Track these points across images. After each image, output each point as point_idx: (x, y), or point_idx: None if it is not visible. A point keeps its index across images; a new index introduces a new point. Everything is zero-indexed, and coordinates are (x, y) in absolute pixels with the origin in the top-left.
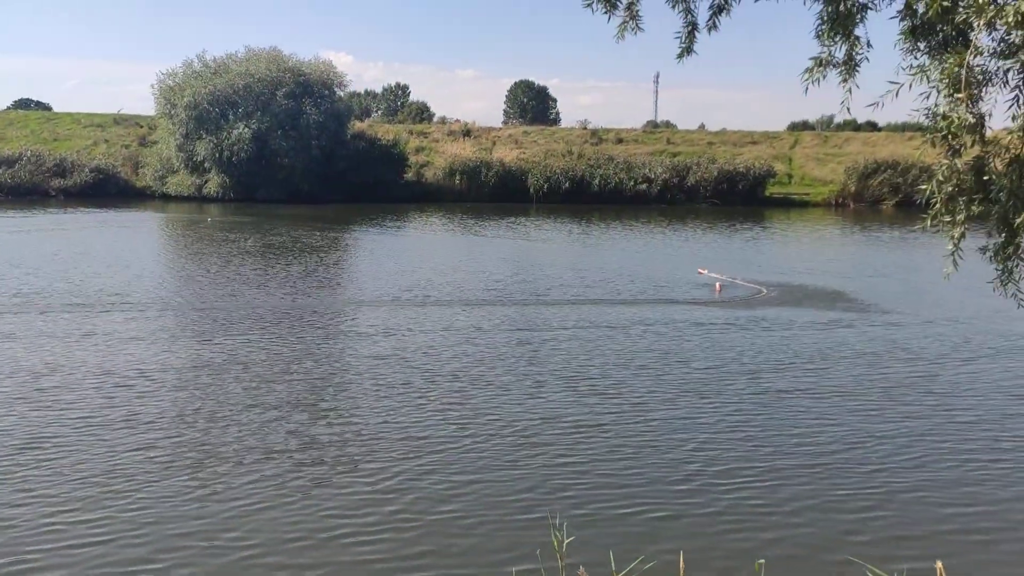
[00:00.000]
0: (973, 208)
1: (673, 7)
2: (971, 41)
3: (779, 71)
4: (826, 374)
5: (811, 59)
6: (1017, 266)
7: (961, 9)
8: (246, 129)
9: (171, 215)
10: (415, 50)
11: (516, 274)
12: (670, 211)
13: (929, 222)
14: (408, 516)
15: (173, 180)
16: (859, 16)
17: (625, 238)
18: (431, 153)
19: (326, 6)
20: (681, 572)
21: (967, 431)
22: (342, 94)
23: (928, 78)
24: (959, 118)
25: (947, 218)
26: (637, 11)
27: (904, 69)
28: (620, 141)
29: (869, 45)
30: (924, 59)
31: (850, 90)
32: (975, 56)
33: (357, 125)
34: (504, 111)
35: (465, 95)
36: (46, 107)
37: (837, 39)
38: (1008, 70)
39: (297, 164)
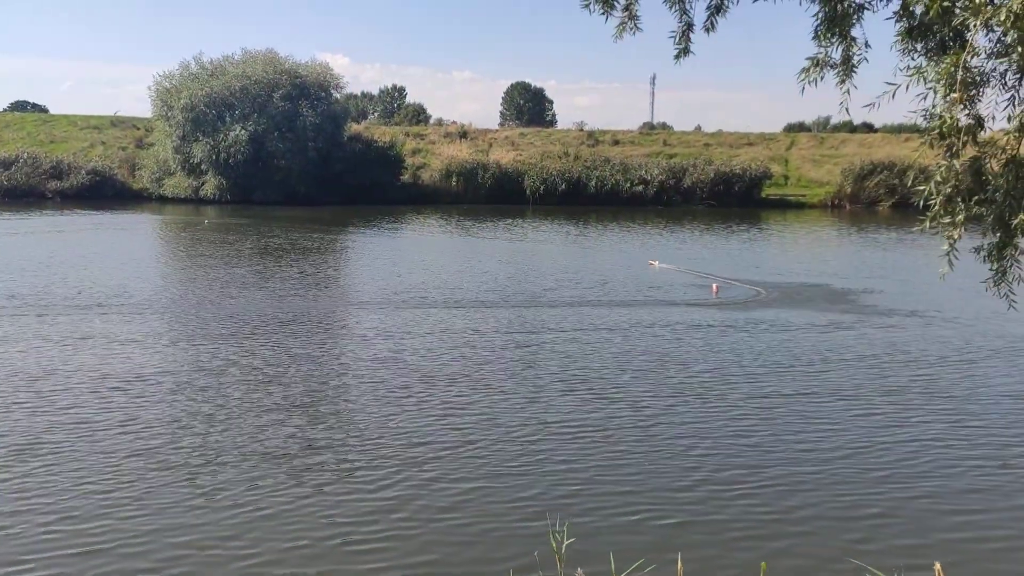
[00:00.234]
0: (972, 209)
1: (670, 8)
2: (968, 42)
3: (776, 72)
4: (827, 377)
5: (807, 59)
6: (1011, 266)
7: (958, 11)
8: (243, 131)
9: (168, 217)
10: (412, 52)
11: (514, 276)
12: (666, 213)
13: (928, 223)
14: (407, 522)
15: (170, 182)
16: (856, 17)
17: (622, 239)
18: (427, 155)
19: (323, 8)
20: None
21: (971, 436)
22: (339, 96)
23: (925, 79)
24: (951, 118)
25: (946, 219)
26: (635, 11)
27: (901, 70)
28: (616, 143)
29: (867, 46)
30: (921, 60)
31: (848, 91)
32: (972, 57)
33: (354, 127)
34: (500, 113)
35: (461, 97)
36: (42, 109)
37: (834, 40)
38: (1006, 71)
39: (294, 166)
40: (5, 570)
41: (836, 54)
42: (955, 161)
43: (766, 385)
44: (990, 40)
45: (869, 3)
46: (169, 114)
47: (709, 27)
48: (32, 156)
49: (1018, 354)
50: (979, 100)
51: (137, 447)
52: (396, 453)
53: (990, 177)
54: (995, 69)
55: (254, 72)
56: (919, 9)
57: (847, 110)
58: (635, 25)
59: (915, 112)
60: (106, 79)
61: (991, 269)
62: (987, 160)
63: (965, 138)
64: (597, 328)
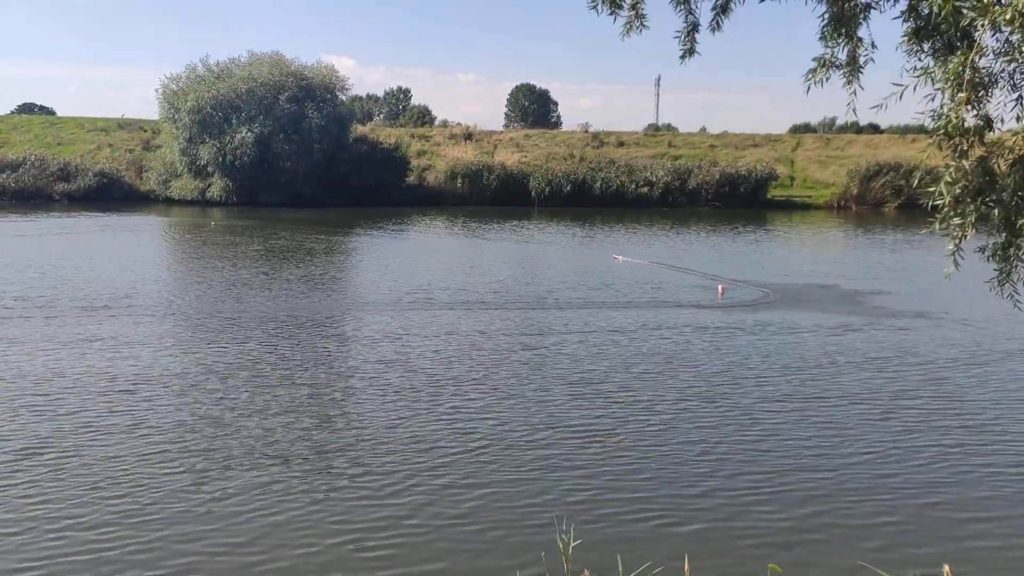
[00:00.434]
0: (981, 208)
1: (675, 8)
2: (975, 41)
3: (781, 73)
4: (839, 381)
5: (814, 60)
6: (1016, 267)
7: (966, 11)
8: (249, 133)
9: (175, 219)
10: (417, 54)
11: (520, 277)
12: (672, 214)
13: (938, 224)
14: (415, 522)
15: (177, 184)
16: (862, 17)
17: (628, 241)
18: (433, 157)
19: (328, 10)
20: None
21: (988, 441)
22: (344, 98)
23: (932, 80)
24: (956, 118)
25: (956, 220)
26: (641, 10)
27: (908, 71)
28: (621, 144)
29: (873, 46)
30: (928, 61)
31: (855, 92)
32: (980, 57)
33: (359, 129)
34: (505, 114)
35: (466, 98)
36: (50, 111)
37: (840, 40)
38: (1014, 71)
39: (299, 168)
40: (12, 569)
41: (842, 54)
42: (964, 161)
43: (776, 389)
44: (997, 40)
45: (876, 3)
46: (176, 116)
47: (715, 27)
48: (39, 158)
49: None
50: (987, 101)
51: (145, 451)
52: (406, 458)
53: (998, 177)
54: (1003, 69)
55: (260, 74)
56: (926, 9)
57: (854, 111)
58: (642, 23)
59: (922, 113)
60: (113, 82)
61: (995, 269)
62: (995, 160)
63: (973, 139)
64: (604, 330)
